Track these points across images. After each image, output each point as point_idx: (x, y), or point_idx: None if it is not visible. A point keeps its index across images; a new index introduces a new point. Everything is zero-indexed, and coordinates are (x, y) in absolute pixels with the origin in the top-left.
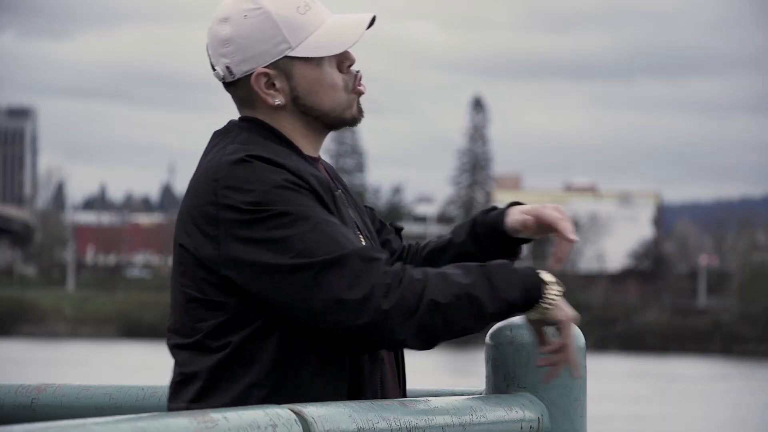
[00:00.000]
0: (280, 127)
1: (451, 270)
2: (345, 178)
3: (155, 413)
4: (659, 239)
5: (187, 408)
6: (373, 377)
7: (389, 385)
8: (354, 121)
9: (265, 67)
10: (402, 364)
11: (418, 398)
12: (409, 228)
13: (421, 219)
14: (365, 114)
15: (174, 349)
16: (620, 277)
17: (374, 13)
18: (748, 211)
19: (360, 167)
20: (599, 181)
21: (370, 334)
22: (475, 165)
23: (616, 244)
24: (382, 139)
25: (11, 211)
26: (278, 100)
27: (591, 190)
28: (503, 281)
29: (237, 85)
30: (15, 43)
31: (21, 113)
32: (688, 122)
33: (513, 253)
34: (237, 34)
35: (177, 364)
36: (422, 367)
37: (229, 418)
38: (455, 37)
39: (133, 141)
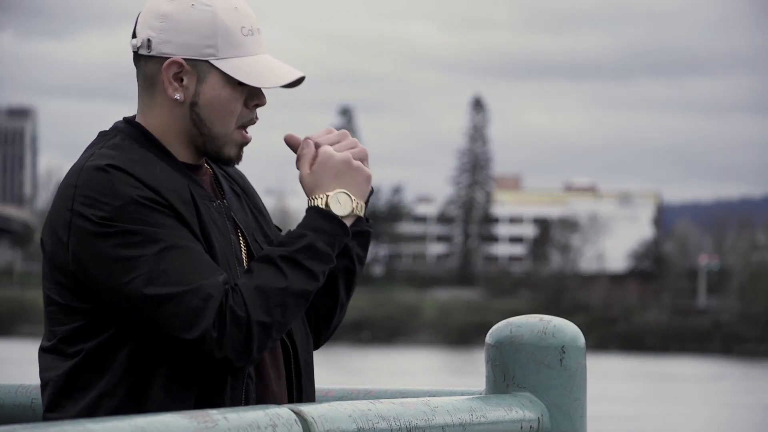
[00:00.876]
0: (167, 125)
1: (263, 278)
2: None
3: (155, 413)
4: (659, 239)
5: (44, 419)
6: (234, 393)
7: (271, 395)
8: (228, 161)
9: (183, 58)
10: (300, 368)
11: (418, 398)
12: (409, 228)
13: (421, 219)
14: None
15: (39, 352)
16: (620, 277)
17: (305, 73)
18: (748, 211)
19: None
20: (599, 181)
21: (208, 366)
22: (475, 165)
23: (616, 244)
24: (382, 139)
25: (11, 211)
26: (178, 95)
27: (591, 190)
28: (311, 258)
29: (147, 62)
30: (14, 43)
31: (21, 113)
32: (688, 122)
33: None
34: (176, 15)
35: (40, 368)
36: (422, 367)
37: (229, 418)
38: (455, 37)
39: None
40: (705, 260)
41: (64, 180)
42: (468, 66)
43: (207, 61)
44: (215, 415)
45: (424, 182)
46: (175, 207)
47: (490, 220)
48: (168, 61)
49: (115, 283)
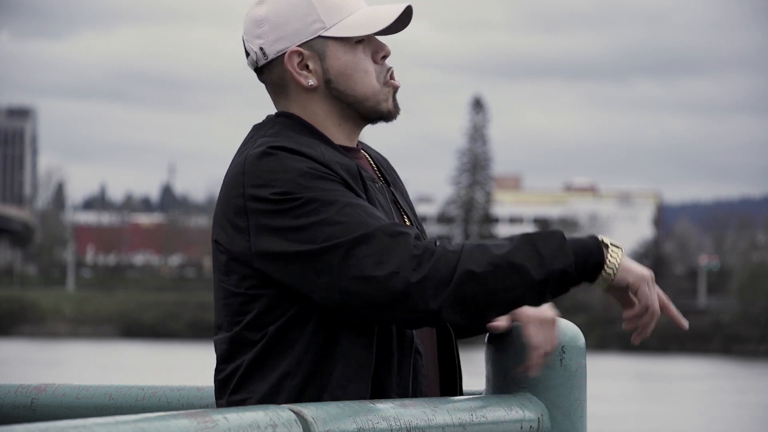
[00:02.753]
0: (313, 114)
1: (490, 241)
2: None
3: (155, 413)
4: (659, 239)
5: (227, 403)
6: (402, 369)
7: (427, 380)
8: (390, 115)
9: (298, 46)
10: (451, 361)
11: (418, 398)
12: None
13: (421, 219)
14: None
15: (218, 345)
16: None
17: (410, 2)
18: (748, 211)
19: None
20: (599, 181)
21: (400, 307)
22: (475, 165)
23: None
24: (382, 139)
25: (11, 211)
26: (311, 81)
27: (591, 190)
28: (549, 247)
29: (270, 69)
30: (12, 44)
31: (21, 113)
32: (688, 122)
33: None
34: (272, 12)
35: (219, 360)
36: None
37: (229, 418)
38: (451, 37)
39: (133, 141)
40: (705, 260)
41: (229, 173)
42: (466, 66)
43: (319, 36)
44: (215, 414)
45: (424, 182)
46: (344, 178)
47: (490, 220)
48: (286, 54)
49: (304, 249)
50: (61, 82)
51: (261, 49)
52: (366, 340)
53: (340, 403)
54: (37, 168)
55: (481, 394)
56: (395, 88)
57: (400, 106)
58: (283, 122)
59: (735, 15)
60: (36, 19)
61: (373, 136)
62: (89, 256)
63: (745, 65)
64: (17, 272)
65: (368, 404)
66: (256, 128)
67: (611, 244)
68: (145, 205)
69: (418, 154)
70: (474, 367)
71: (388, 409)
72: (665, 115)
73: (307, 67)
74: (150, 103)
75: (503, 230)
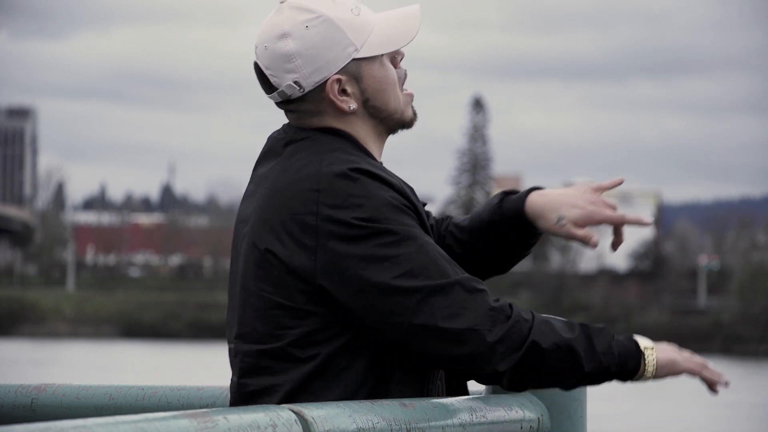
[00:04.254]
0: (354, 133)
1: (554, 320)
2: None
3: (155, 413)
4: (659, 239)
5: None
6: (434, 390)
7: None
8: (411, 122)
9: (336, 73)
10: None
11: (417, 398)
12: None
13: None
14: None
15: (245, 356)
16: (620, 277)
17: (419, 3)
18: (748, 211)
19: None
20: (599, 181)
21: (470, 365)
22: (475, 165)
23: None
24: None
25: (11, 211)
26: (352, 105)
27: None
28: (603, 344)
29: (304, 99)
30: (11, 44)
31: (21, 113)
32: (688, 122)
33: (528, 244)
34: (303, 46)
35: (248, 372)
36: None
37: (229, 418)
38: (450, 38)
39: (133, 141)
40: (705, 260)
41: (289, 185)
42: (465, 67)
43: (352, 60)
44: (215, 415)
45: (424, 182)
46: (418, 210)
47: None
48: (327, 84)
49: (377, 281)
50: (61, 82)
51: (296, 83)
52: (419, 373)
53: (340, 403)
54: (37, 168)
55: (481, 394)
56: (412, 97)
57: (417, 112)
58: (336, 138)
59: (735, 15)
60: (35, 19)
61: None
62: (89, 256)
63: (746, 65)
64: (17, 272)
65: (368, 404)
66: (300, 139)
67: (645, 347)
68: (145, 205)
69: (418, 154)
70: None
71: (388, 409)
72: (665, 115)
73: (345, 92)
74: (150, 103)
75: None
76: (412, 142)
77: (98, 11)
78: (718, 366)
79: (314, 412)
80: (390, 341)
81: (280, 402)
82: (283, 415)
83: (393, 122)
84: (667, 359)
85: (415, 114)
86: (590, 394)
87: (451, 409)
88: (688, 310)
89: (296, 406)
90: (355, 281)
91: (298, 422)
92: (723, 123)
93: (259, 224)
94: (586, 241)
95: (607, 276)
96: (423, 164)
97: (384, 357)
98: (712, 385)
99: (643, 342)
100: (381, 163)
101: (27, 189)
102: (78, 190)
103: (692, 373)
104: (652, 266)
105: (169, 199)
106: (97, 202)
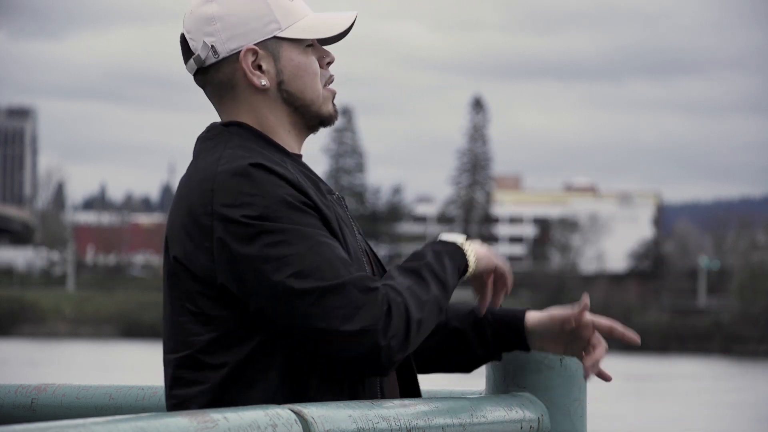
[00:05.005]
0: (264, 119)
1: (411, 282)
2: (345, 179)
3: (155, 413)
4: (659, 239)
5: None
6: (372, 388)
7: (388, 389)
8: (330, 119)
9: (253, 44)
10: (408, 366)
11: (418, 398)
12: (410, 228)
13: (421, 219)
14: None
15: (167, 367)
16: (620, 277)
17: (357, 12)
18: (748, 211)
19: (360, 167)
20: (599, 181)
21: (364, 366)
22: (475, 165)
23: (616, 244)
24: (382, 139)
25: (11, 211)
26: (264, 81)
27: (591, 190)
28: (450, 277)
29: (218, 68)
30: (10, 44)
31: (21, 113)
32: (688, 122)
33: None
34: (225, 10)
35: (171, 385)
36: None
37: (229, 418)
38: (448, 38)
39: (133, 141)
40: (705, 260)
41: (190, 186)
42: (464, 67)
43: (274, 37)
44: (215, 414)
45: (424, 182)
46: (318, 206)
47: (490, 220)
48: (241, 53)
49: (269, 282)
50: (61, 82)
51: (212, 46)
52: (345, 379)
53: (341, 403)
54: (37, 168)
55: (481, 394)
56: (334, 94)
57: (338, 111)
58: (239, 133)
59: (734, 15)
60: (35, 19)
61: (373, 136)
62: (89, 256)
63: (745, 65)
64: (17, 272)
65: (368, 404)
66: (208, 140)
67: (462, 244)
68: (145, 205)
69: (418, 154)
70: None
71: (388, 409)
72: (665, 115)
73: (260, 67)
74: (150, 103)
75: (503, 230)
76: (411, 142)
77: (97, 11)
78: (718, 366)
79: (314, 412)
80: (294, 343)
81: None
82: (283, 415)
83: (310, 115)
84: (483, 252)
85: (336, 111)
86: (590, 394)
87: (451, 409)
88: (688, 310)
89: (296, 406)
90: (250, 282)
91: (298, 422)
92: (723, 123)
93: (168, 230)
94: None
95: (607, 276)
96: (423, 164)
97: (300, 361)
98: (507, 289)
99: (457, 239)
100: (301, 156)
101: (27, 189)
102: (78, 190)
103: (500, 269)
104: (652, 266)
105: (169, 199)
106: (97, 202)
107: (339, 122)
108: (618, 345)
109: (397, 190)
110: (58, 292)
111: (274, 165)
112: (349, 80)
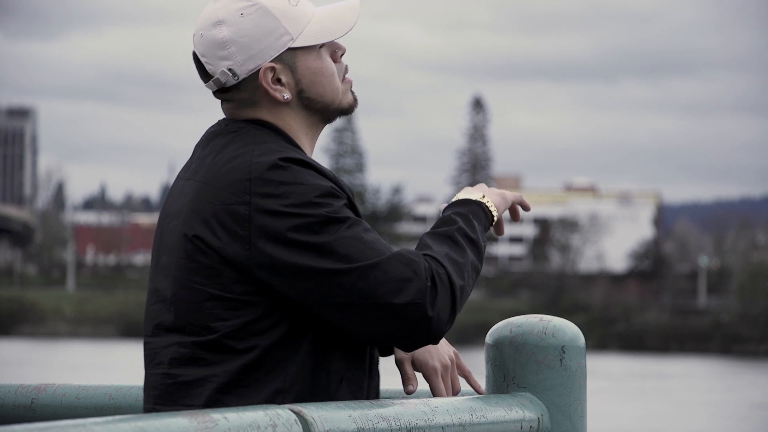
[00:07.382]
0: (286, 126)
1: (448, 249)
2: (345, 179)
3: (155, 413)
4: (659, 239)
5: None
6: (374, 377)
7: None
8: (350, 108)
9: (270, 61)
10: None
11: (418, 398)
12: (410, 228)
13: (421, 219)
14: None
15: (180, 347)
16: (620, 277)
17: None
18: (748, 211)
19: (360, 167)
20: (599, 181)
21: (416, 338)
22: (475, 165)
23: (616, 244)
24: (382, 140)
25: (11, 211)
26: (286, 95)
27: (591, 190)
28: (481, 236)
29: (239, 88)
30: (8, 45)
31: (21, 113)
32: (689, 123)
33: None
34: (237, 33)
35: (180, 363)
36: None
37: (229, 418)
38: (445, 39)
39: (133, 141)
40: (705, 260)
41: (219, 176)
42: (458, 67)
43: (288, 49)
44: (215, 414)
45: (424, 182)
46: (349, 197)
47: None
48: (260, 72)
49: (314, 268)
50: (61, 83)
51: (230, 70)
52: (360, 357)
53: (341, 403)
54: (37, 168)
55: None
56: (351, 83)
57: (358, 97)
58: (266, 131)
59: (729, 16)
60: (32, 20)
61: (373, 136)
62: (89, 256)
63: (742, 65)
64: (17, 272)
65: (368, 404)
66: (228, 133)
67: (479, 200)
68: (145, 205)
69: (418, 154)
70: (474, 367)
71: (388, 409)
72: (665, 115)
73: (279, 81)
74: (150, 103)
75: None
76: (411, 142)
77: (94, 12)
78: (717, 366)
79: (314, 412)
80: (331, 323)
81: (212, 392)
82: (283, 415)
83: (330, 113)
84: (497, 195)
85: (355, 99)
86: (590, 394)
87: (451, 409)
88: (688, 310)
89: (296, 406)
90: (293, 270)
91: (298, 422)
92: (722, 123)
93: (190, 216)
94: (406, 382)
95: (607, 276)
96: (423, 164)
97: (325, 344)
98: (524, 207)
99: (475, 195)
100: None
101: (27, 189)
102: (78, 190)
103: (518, 200)
104: (652, 266)
105: None
106: (97, 202)
107: (339, 122)
108: (618, 345)
109: (397, 190)
110: (58, 292)
111: (307, 159)
112: None
